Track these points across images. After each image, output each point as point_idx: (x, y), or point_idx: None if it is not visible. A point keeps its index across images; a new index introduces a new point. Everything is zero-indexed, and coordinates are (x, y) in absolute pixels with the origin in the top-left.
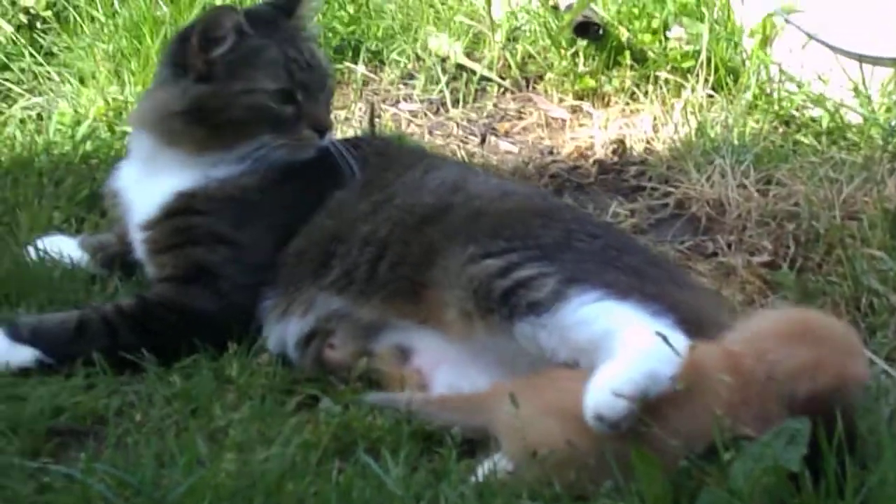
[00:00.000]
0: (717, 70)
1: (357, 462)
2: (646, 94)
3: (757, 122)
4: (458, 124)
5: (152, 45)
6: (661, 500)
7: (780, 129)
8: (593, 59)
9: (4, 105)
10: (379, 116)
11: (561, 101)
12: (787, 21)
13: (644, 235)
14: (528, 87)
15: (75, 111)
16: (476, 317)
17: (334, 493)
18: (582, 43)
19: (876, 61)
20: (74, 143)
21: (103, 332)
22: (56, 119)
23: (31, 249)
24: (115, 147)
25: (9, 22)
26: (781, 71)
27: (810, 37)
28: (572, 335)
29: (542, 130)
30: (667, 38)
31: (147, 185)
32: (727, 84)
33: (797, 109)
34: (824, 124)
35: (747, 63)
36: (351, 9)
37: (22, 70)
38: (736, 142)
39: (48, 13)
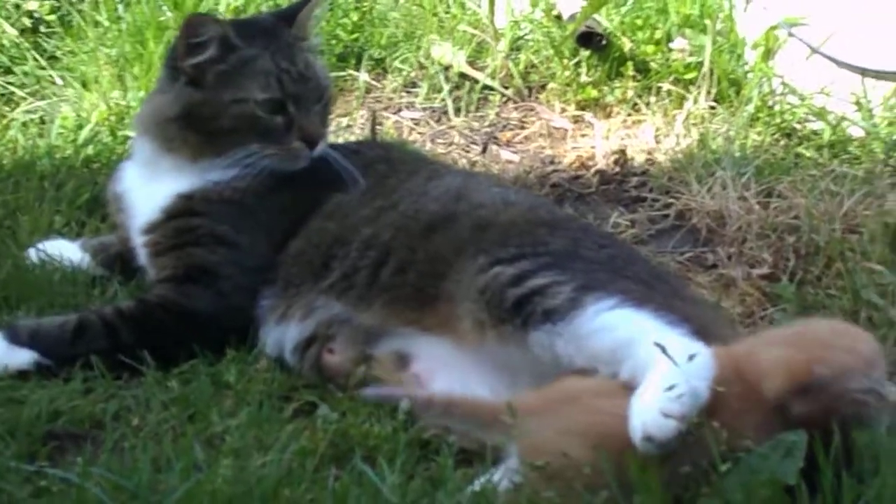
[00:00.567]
0: (719, 82)
1: (353, 469)
2: (648, 105)
3: (759, 134)
4: (460, 133)
5: (155, 50)
6: None
7: (782, 142)
8: (596, 70)
9: (7, 108)
10: (380, 124)
11: (563, 110)
12: (790, 34)
13: (644, 246)
14: (530, 96)
15: (78, 115)
16: (488, 326)
17: (330, 500)
18: (585, 53)
19: (878, 75)
20: (76, 147)
21: (102, 333)
22: (58, 123)
23: (31, 253)
24: (117, 151)
25: (13, 25)
26: (784, 83)
27: (813, 50)
28: (590, 343)
29: (543, 140)
30: (669, 50)
31: (148, 188)
32: (729, 96)
33: (799, 122)
34: (826, 137)
35: (750, 75)
36: (355, 16)
37: (25, 74)
38: (737, 154)
39: (52, 17)
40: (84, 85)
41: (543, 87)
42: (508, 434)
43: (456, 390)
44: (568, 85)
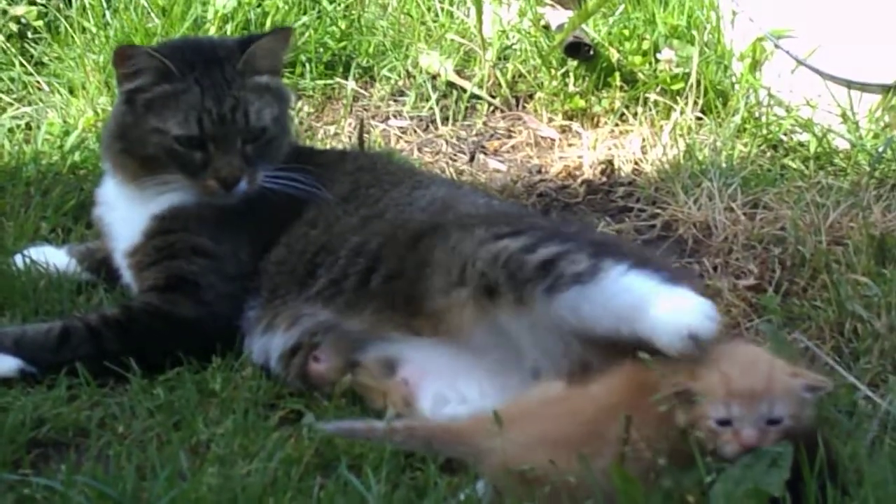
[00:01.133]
0: (706, 93)
1: (339, 478)
2: (635, 115)
3: (745, 145)
4: (447, 142)
5: None
6: None
7: (768, 153)
8: (583, 80)
9: None
10: (368, 132)
11: (550, 120)
12: (776, 45)
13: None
14: (517, 105)
15: (64, 121)
16: (504, 291)
17: None
18: (572, 63)
19: (864, 87)
20: (63, 154)
21: (87, 339)
22: (45, 129)
23: (17, 259)
24: None
25: None
26: (770, 95)
27: (799, 62)
28: (616, 303)
29: (530, 149)
30: (657, 60)
31: (126, 211)
32: (716, 107)
33: (785, 134)
34: (812, 149)
35: (736, 86)
36: (343, 24)
37: (12, 79)
38: (724, 165)
39: (39, 23)
40: (71, 91)
41: (531, 96)
42: (475, 454)
43: (445, 393)
44: (555, 95)
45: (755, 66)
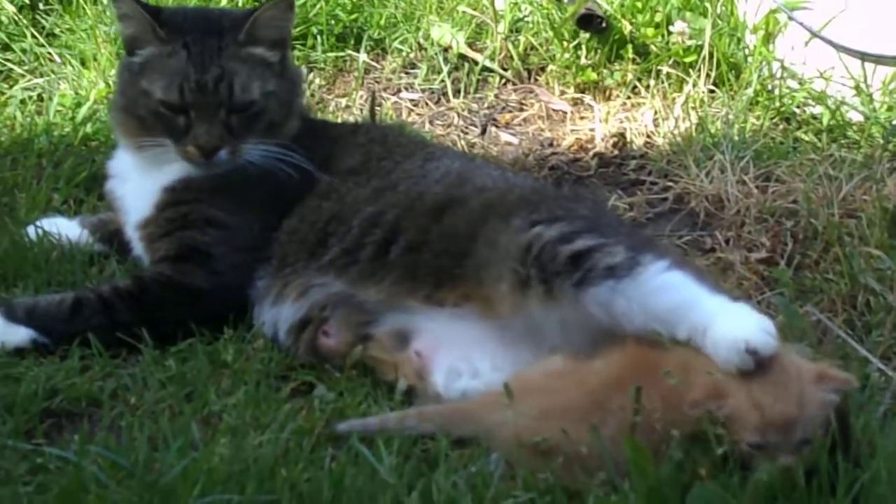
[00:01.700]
0: (718, 65)
1: (350, 450)
2: (647, 88)
3: (758, 118)
4: (458, 114)
5: None
6: (653, 493)
7: (781, 126)
8: (595, 52)
9: (5, 85)
10: (380, 105)
11: (562, 93)
12: (790, 17)
13: (642, 229)
14: (529, 78)
15: (76, 93)
16: (535, 283)
17: (327, 480)
18: (584, 35)
19: (878, 59)
20: (75, 125)
21: (99, 310)
22: (57, 100)
23: (29, 230)
24: None
25: (11, 2)
26: (783, 67)
27: (813, 34)
28: (652, 301)
29: (542, 122)
30: (669, 33)
31: (137, 183)
32: (729, 80)
33: (798, 106)
34: (825, 122)
35: (749, 59)
36: None
37: (23, 51)
38: (736, 138)
39: None
40: (83, 62)
41: (543, 69)
42: (487, 431)
43: (457, 366)
44: (567, 67)
45: (768, 38)
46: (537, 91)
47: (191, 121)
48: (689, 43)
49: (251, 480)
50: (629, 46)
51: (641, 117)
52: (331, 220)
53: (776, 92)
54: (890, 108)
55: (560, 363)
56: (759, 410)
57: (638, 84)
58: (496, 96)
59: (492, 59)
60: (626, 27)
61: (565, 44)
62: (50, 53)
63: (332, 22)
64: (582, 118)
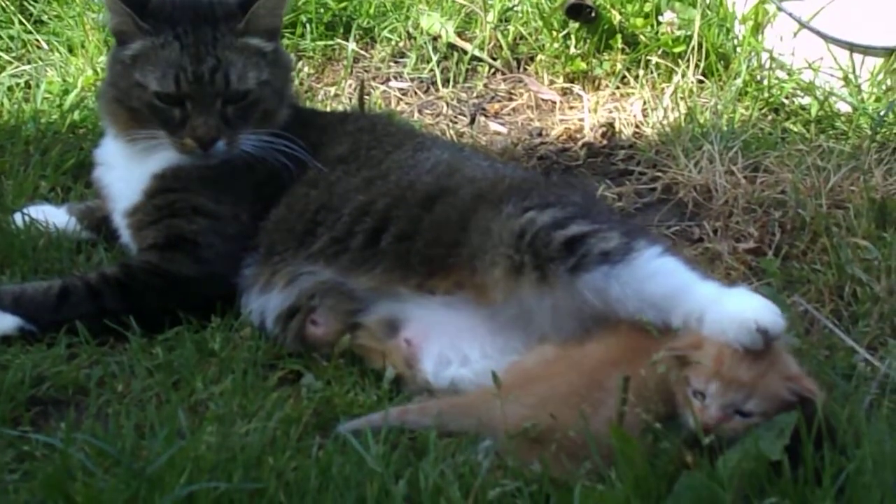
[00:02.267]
0: (707, 56)
1: (337, 438)
2: (636, 78)
3: (746, 108)
4: (447, 104)
5: None
6: (640, 483)
7: (770, 117)
8: (585, 42)
9: None
10: (368, 94)
11: (551, 83)
12: (778, 8)
13: (631, 219)
14: (518, 68)
15: (64, 80)
16: (528, 269)
17: (314, 468)
18: (574, 25)
19: (867, 50)
20: (62, 112)
21: (87, 298)
22: (44, 88)
23: (16, 218)
24: None
25: None
26: (772, 58)
27: (802, 24)
28: (646, 286)
29: (531, 112)
30: (659, 23)
31: (125, 171)
32: (718, 70)
33: (787, 97)
34: (813, 112)
35: (738, 49)
36: None
37: (11, 38)
38: (725, 128)
39: None
40: (70, 49)
41: (532, 58)
42: (486, 424)
43: (447, 354)
44: (556, 57)
45: (757, 28)
46: (526, 81)
47: (187, 112)
48: (678, 33)
49: (238, 468)
50: (618, 36)
51: (630, 107)
52: (320, 208)
53: (765, 82)
54: (878, 99)
55: (552, 351)
56: (717, 365)
57: (627, 74)
58: (485, 86)
59: (481, 49)
60: (616, 17)
61: (554, 33)
62: (37, 40)
63: (322, 10)
64: (571, 108)
